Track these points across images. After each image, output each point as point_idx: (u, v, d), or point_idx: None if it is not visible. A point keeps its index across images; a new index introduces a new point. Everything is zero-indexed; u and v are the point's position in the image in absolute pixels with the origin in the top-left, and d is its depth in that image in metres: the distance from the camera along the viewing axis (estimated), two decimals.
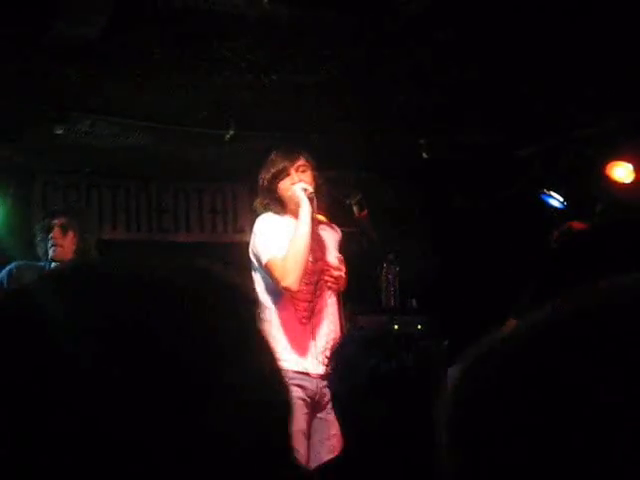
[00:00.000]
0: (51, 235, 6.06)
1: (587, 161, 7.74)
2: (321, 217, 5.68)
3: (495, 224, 8.30)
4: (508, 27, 5.74)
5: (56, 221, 6.10)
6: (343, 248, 5.78)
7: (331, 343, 4.93)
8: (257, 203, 5.51)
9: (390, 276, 8.57)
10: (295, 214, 5.28)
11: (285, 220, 5.35)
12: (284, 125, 7.31)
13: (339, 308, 5.41)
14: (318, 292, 5.24)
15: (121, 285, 1.04)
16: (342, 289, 5.53)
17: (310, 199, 5.26)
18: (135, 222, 8.82)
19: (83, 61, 5.88)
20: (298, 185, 5.27)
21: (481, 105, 7.01)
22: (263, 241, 5.28)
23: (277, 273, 5.12)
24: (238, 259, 8.83)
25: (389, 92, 6.79)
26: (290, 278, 5.07)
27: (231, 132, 7.32)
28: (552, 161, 7.92)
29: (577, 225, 6.42)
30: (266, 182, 5.40)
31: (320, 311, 5.22)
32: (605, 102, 6.92)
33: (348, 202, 8.83)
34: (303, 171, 5.38)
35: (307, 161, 5.43)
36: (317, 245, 5.40)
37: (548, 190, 8.01)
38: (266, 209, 5.41)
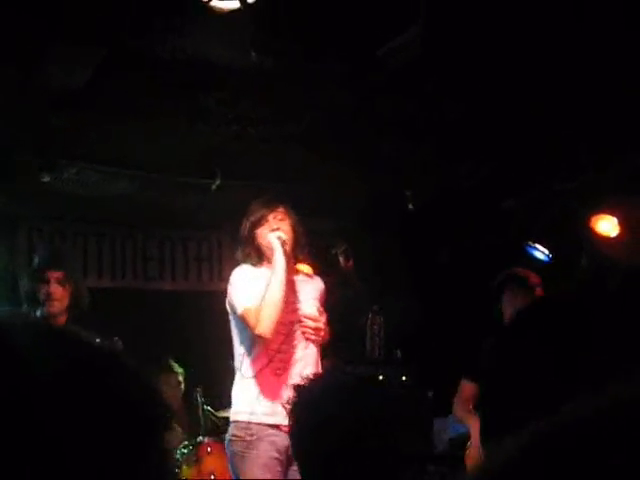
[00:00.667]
0: (47, 289, 5.94)
1: (572, 214, 7.76)
2: (303, 267, 5.64)
3: (479, 276, 8.29)
4: (494, 81, 5.80)
5: (52, 274, 5.98)
6: (326, 299, 5.72)
7: None
8: (239, 253, 5.47)
9: (375, 327, 8.55)
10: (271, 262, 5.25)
11: (261, 271, 5.29)
12: (269, 174, 7.33)
13: (319, 360, 5.35)
14: (293, 343, 5.18)
15: None
16: (324, 340, 5.48)
17: (284, 247, 5.21)
18: (121, 270, 8.80)
19: (70, 109, 5.90)
20: (273, 233, 5.22)
21: (467, 156, 7.05)
22: (237, 292, 5.21)
23: (252, 321, 5.06)
24: (223, 307, 8.85)
25: (374, 142, 6.82)
26: (263, 325, 5.02)
27: (217, 182, 7.34)
28: (537, 213, 7.94)
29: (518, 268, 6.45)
30: (245, 231, 5.39)
31: (296, 363, 5.13)
32: (590, 155, 6.95)
33: (333, 252, 8.85)
34: (281, 219, 5.34)
35: (286, 210, 5.39)
36: (294, 295, 5.33)
37: (533, 242, 8.02)
38: (246, 259, 5.36)
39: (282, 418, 4.71)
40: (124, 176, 7.31)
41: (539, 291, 6.43)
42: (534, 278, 6.42)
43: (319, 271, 8.76)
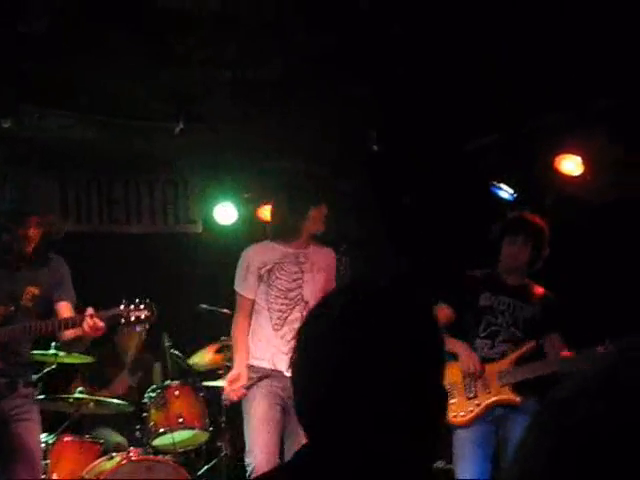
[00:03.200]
0: (26, 232, 5.93)
1: (536, 154, 7.78)
2: None
3: (445, 217, 8.33)
4: (460, 25, 5.79)
5: (31, 219, 5.97)
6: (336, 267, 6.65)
7: None
8: (269, 229, 6.67)
9: (341, 267, 8.58)
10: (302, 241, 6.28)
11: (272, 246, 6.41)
12: (234, 118, 7.31)
13: None
14: (292, 305, 6.09)
15: None
16: None
17: None
18: (86, 213, 8.77)
19: (32, 55, 5.85)
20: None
21: (431, 100, 7.04)
22: (236, 274, 6.47)
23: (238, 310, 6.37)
24: (190, 250, 8.87)
25: (341, 85, 6.80)
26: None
27: (181, 125, 7.30)
28: (501, 154, 7.97)
29: (527, 215, 6.46)
30: (285, 215, 6.35)
31: (292, 322, 5.96)
32: (553, 96, 6.96)
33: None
34: (323, 217, 6.32)
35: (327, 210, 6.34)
36: (297, 267, 6.22)
37: (498, 182, 8.05)
38: (274, 236, 6.45)
39: (281, 365, 5.87)
40: (87, 121, 7.27)
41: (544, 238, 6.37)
42: (538, 226, 6.36)
43: None
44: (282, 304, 6.10)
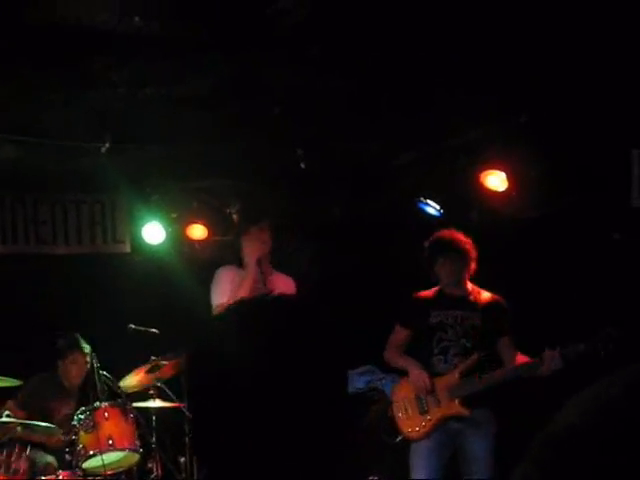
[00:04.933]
0: None
1: (462, 170, 7.86)
2: None
3: (371, 232, 8.37)
4: (389, 38, 5.83)
5: None
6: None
7: None
8: (228, 255, 7.07)
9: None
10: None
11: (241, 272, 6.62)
12: (160, 137, 7.29)
13: None
14: None
15: None
16: None
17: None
18: (11, 235, 8.66)
19: None
20: (252, 251, 6.67)
21: (358, 114, 7.07)
22: (214, 289, 6.59)
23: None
24: (118, 269, 8.81)
25: (265, 103, 6.81)
26: None
27: (107, 145, 7.27)
28: (427, 169, 8.03)
29: (451, 234, 6.58)
30: (236, 235, 6.88)
31: None
32: (478, 111, 7.04)
33: (228, 211, 8.87)
34: (263, 232, 6.70)
35: (269, 225, 6.74)
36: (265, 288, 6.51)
37: (424, 198, 8.12)
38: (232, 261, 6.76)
39: None
40: (9, 142, 7.20)
41: (474, 256, 6.55)
42: (467, 244, 6.57)
43: (213, 231, 8.83)
44: None
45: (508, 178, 7.64)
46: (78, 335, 7.91)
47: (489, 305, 6.52)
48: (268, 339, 1.71)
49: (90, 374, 7.61)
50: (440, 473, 6.38)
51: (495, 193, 7.72)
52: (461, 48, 5.97)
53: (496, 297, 6.56)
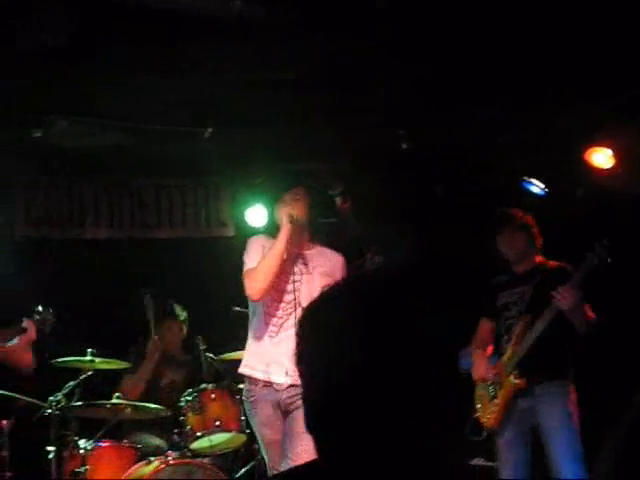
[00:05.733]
0: None
1: (567, 147, 7.75)
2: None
3: (477, 212, 8.30)
4: (484, 17, 5.79)
5: None
6: (346, 272, 6.05)
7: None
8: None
9: (374, 268, 8.57)
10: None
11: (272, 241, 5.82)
12: (262, 120, 7.32)
13: None
14: (288, 310, 5.65)
15: None
16: None
17: (292, 222, 5.70)
18: (118, 219, 8.81)
19: (57, 66, 5.90)
20: (284, 210, 5.77)
21: (461, 94, 7.02)
22: (246, 259, 5.80)
23: (246, 282, 5.65)
24: (222, 253, 8.88)
25: (367, 84, 6.80)
26: (250, 287, 5.61)
27: (209, 129, 7.34)
28: (532, 148, 7.93)
29: (505, 210, 6.59)
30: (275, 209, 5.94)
31: (289, 328, 5.55)
32: (584, 89, 6.93)
33: (330, 193, 8.88)
34: (297, 199, 5.86)
35: (305, 191, 5.93)
36: (297, 267, 5.80)
37: (529, 177, 8.03)
38: (267, 231, 6.10)
39: (275, 377, 5.61)
40: (115, 128, 7.32)
41: (535, 230, 6.53)
42: (522, 217, 6.54)
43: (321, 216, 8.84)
44: (278, 308, 5.72)
45: (614, 155, 7.52)
46: (174, 302, 8.03)
47: (550, 272, 6.43)
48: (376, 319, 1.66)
49: (196, 356, 7.71)
50: (525, 468, 6.29)
51: (601, 170, 7.60)
52: (567, 25, 5.88)
53: (562, 264, 6.45)
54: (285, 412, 5.58)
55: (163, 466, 6.78)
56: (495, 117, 7.51)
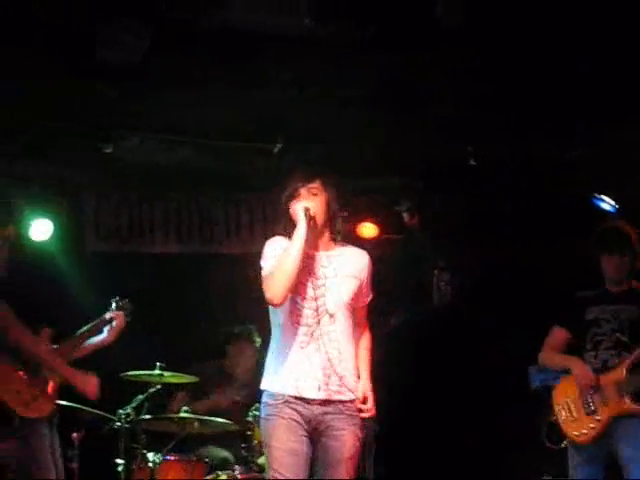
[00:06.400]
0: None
1: (637, 163, 7.67)
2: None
3: (545, 228, 8.26)
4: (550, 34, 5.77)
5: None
6: (372, 272, 5.33)
7: (336, 370, 4.92)
8: (279, 226, 5.42)
9: (442, 283, 8.57)
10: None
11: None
12: (330, 136, 7.36)
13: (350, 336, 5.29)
14: (317, 318, 5.03)
15: None
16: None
17: (309, 218, 5.04)
18: (187, 234, 8.89)
19: (128, 82, 6.00)
20: (300, 204, 5.08)
21: (527, 110, 6.99)
22: (264, 260, 5.14)
23: (265, 286, 4.99)
24: None
25: (433, 102, 6.81)
26: (271, 291, 4.92)
27: (279, 145, 7.38)
28: (601, 163, 7.86)
29: (618, 226, 6.43)
30: (283, 203, 5.22)
31: (319, 337, 5.02)
32: None
33: (398, 209, 8.89)
34: (314, 194, 5.15)
35: (322, 184, 5.18)
36: (320, 269, 5.15)
37: (599, 194, 7.96)
38: (282, 232, 5.29)
39: (307, 391, 4.93)
40: (185, 144, 7.40)
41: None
42: (630, 237, 6.35)
43: (385, 230, 8.82)
44: (305, 316, 5.06)
45: None
46: (253, 328, 8.01)
47: None
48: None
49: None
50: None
51: None
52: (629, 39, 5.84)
53: None
54: (315, 430, 5.00)
55: None
56: (564, 133, 7.45)
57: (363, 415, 5.02)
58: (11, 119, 6.73)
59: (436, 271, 8.58)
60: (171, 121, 7.03)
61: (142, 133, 7.18)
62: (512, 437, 7.71)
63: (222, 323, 8.29)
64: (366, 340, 5.32)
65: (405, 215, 8.80)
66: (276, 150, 7.46)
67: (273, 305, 4.99)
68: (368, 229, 8.93)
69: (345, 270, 5.14)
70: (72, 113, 6.70)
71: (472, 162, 7.74)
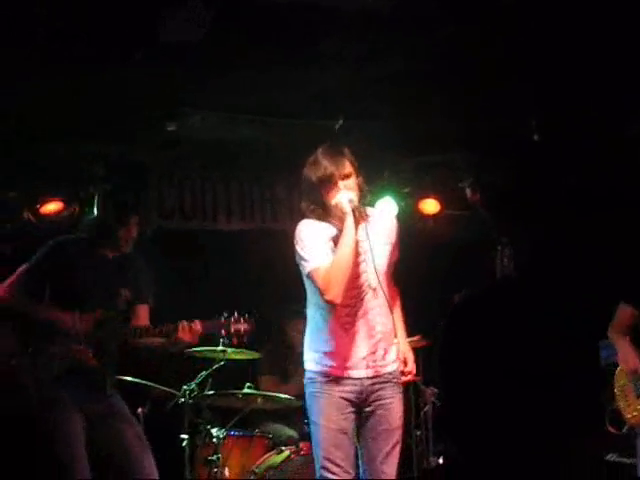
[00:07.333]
0: (128, 233, 6.07)
1: None
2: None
3: (610, 203, 8.17)
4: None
5: (134, 218, 6.14)
6: (399, 233, 5.29)
7: (381, 345, 4.94)
8: (303, 205, 5.31)
9: (505, 259, 8.52)
10: (338, 220, 5.00)
11: (326, 226, 5.07)
12: (393, 114, 7.33)
13: (391, 306, 5.21)
14: (361, 296, 4.99)
15: None
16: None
17: (354, 210, 4.94)
18: (250, 212, 8.93)
19: (192, 59, 6.02)
20: (344, 196, 4.96)
21: (591, 84, 6.92)
22: (306, 250, 4.99)
23: (320, 285, 4.88)
24: None
25: (497, 76, 6.75)
26: (333, 292, 4.84)
27: (340, 122, 7.37)
28: None
29: None
30: (311, 186, 5.11)
31: (364, 315, 4.98)
32: None
33: (461, 185, 8.85)
34: (348, 178, 5.05)
35: (352, 164, 5.11)
36: (363, 245, 5.02)
37: None
38: (311, 214, 5.10)
39: (355, 371, 4.93)
40: (247, 121, 7.41)
41: None
42: None
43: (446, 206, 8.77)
44: (347, 296, 4.95)
45: None
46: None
47: None
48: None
49: None
50: None
51: None
52: None
53: None
54: (364, 402, 4.99)
55: (294, 456, 6.87)
56: (628, 108, 7.36)
57: (404, 379, 5.06)
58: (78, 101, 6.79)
59: (499, 247, 8.51)
60: (234, 100, 7.05)
61: (205, 111, 7.20)
62: (579, 413, 7.67)
63: (284, 299, 8.30)
64: (397, 299, 5.31)
65: (468, 191, 8.75)
66: (337, 127, 7.45)
67: (332, 303, 4.89)
68: (430, 205, 8.89)
69: (379, 238, 5.06)
70: (135, 92, 6.73)
71: (536, 137, 7.66)
